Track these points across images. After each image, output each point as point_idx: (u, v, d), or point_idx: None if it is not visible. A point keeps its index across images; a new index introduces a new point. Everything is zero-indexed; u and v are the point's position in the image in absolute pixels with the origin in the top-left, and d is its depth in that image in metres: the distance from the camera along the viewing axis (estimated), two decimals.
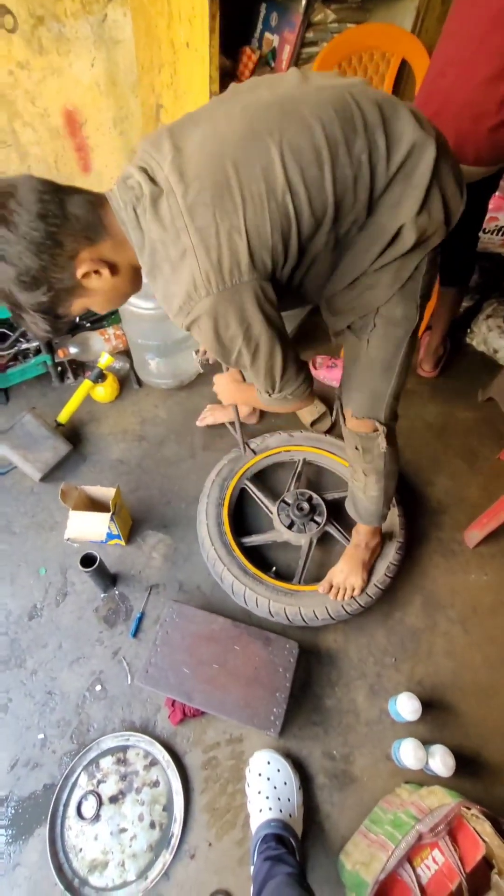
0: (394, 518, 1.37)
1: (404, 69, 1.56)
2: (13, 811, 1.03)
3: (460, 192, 0.77)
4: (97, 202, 0.70)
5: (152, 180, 0.68)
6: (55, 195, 0.66)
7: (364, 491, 1.12)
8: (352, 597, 1.22)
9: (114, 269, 0.74)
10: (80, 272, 0.70)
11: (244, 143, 0.66)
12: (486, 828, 0.81)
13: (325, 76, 0.75)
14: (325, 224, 0.71)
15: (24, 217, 0.63)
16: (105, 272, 0.72)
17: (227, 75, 1.44)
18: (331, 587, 1.24)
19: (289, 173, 0.66)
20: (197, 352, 1.40)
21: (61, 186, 0.68)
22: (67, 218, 0.66)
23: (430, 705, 1.18)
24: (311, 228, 0.70)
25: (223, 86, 1.29)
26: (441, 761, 1.04)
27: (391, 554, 1.31)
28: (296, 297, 0.85)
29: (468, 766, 1.11)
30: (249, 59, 1.45)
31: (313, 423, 1.68)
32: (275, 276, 0.72)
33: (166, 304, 0.74)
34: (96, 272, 0.72)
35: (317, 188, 0.67)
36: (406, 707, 1.10)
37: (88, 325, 1.85)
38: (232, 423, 1.45)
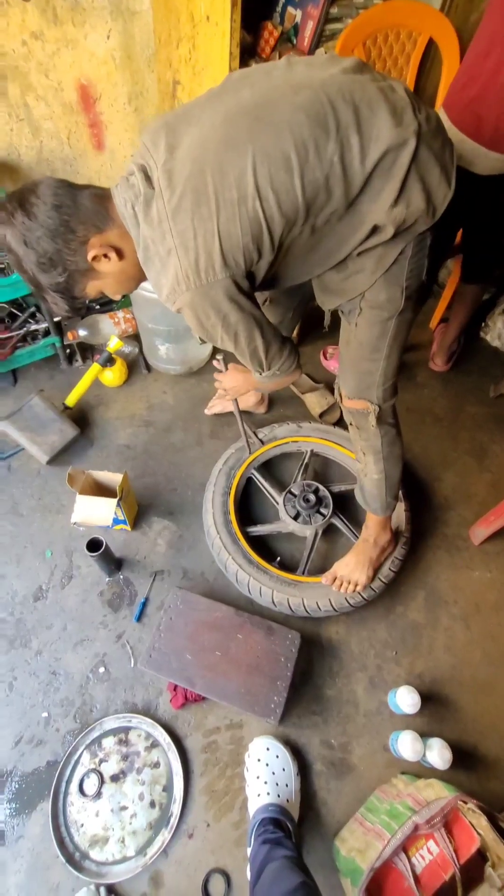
0: (400, 513, 1.37)
1: (431, 49, 1.50)
2: (17, 785, 1.06)
3: (447, 180, 0.77)
4: (105, 196, 0.79)
5: (148, 180, 0.75)
6: (68, 190, 0.76)
7: (366, 473, 1.15)
8: (354, 591, 1.23)
9: (120, 253, 0.81)
10: (90, 255, 0.79)
11: (221, 150, 0.71)
12: (481, 821, 0.82)
13: (311, 65, 0.77)
14: (298, 221, 0.75)
15: (42, 208, 0.74)
16: (113, 256, 0.80)
17: (248, 51, 1.39)
18: (334, 579, 1.24)
19: (259, 180, 0.71)
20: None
21: (74, 184, 0.78)
22: (78, 208, 0.76)
23: (429, 699, 1.19)
24: (283, 228, 0.75)
25: (243, 62, 1.26)
26: (438, 754, 1.05)
27: (396, 548, 1.31)
28: (282, 279, 0.90)
29: (464, 759, 1.12)
30: (271, 34, 1.40)
31: (322, 415, 1.67)
32: (251, 271, 0.79)
33: (157, 291, 0.82)
34: (105, 256, 0.80)
35: (286, 192, 0.72)
36: (405, 700, 1.11)
37: (98, 307, 1.83)
38: (240, 415, 1.44)
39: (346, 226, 0.79)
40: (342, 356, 1.04)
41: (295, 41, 1.47)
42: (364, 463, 1.14)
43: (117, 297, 0.91)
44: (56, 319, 1.65)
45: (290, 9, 1.44)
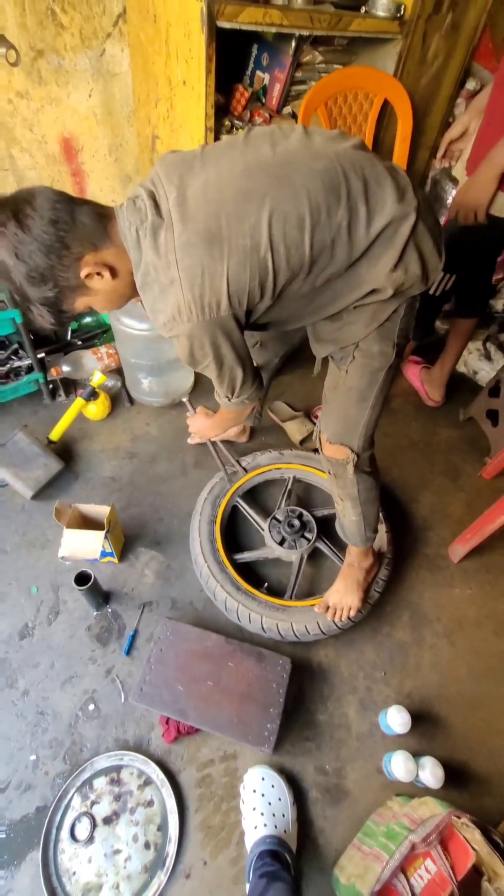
0: (382, 535, 1.41)
1: (387, 108, 1.66)
2: (4, 835, 1.02)
3: (438, 251, 0.85)
4: (105, 214, 0.80)
5: (157, 208, 0.78)
6: (67, 205, 0.75)
7: (345, 515, 1.18)
8: (349, 617, 1.25)
9: (114, 272, 0.82)
10: (83, 272, 0.79)
11: (240, 200, 0.75)
12: (475, 836, 0.84)
13: (327, 138, 0.83)
14: (301, 275, 0.81)
15: (37, 222, 0.72)
16: (106, 274, 0.81)
17: (221, 110, 1.50)
18: (328, 608, 1.26)
19: (273, 234, 0.75)
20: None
21: (74, 198, 0.77)
22: (76, 225, 0.75)
23: (420, 718, 1.21)
24: (287, 279, 0.80)
25: (217, 120, 1.37)
26: (431, 773, 1.06)
27: (380, 570, 1.35)
28: (277, 324, 0.95)
29: (457, 776, 1.14)
30: (242, 95, 1.52)
31: (302, 441, 1.73)
32: (250, 311, 0.83)
33: (152, 317, 0.84)
34: (98, 274, 0.80)
35: (295, 247, 0.77)
36: (396, 720, 1.13)
37: (81, 343, 1.88)
38: (215, 447, 1.48)
39: (343, 284, 0.85)
40: (328, 401, 1.06)
41: (264, 101, 1.60)
42: (342, 507, 1.17)
43: (105, 312, 0.91)
44: (40, 356, 1.68)
45: (258, 73, 1.58)
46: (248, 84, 1.60)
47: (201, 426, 1.34)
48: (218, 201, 0.75)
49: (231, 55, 1.56)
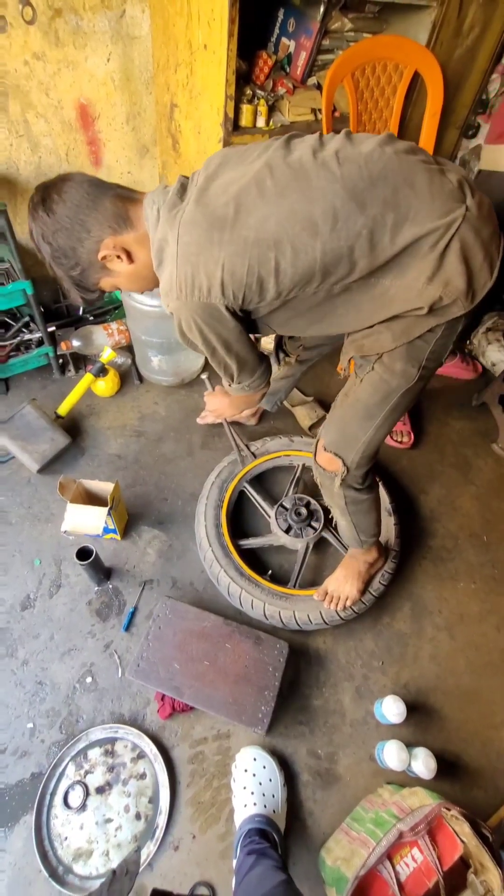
0: (389, 527, 1.39)
1: (417, 81, 1.58)
2: (0, 798, 1.05)
3: (490, 268, 0.77)
4: (130, 199, 0.84)
5: (182, 192, 0.81)
6: (93, 189, 0.80)
7: (336, 518, 1.16)
8: (350, 608, 1.24)
9: (131, 257, 0.86)
10: (100, 255, 0.84)
11: (253, 193, 0.75)
12: (464, 828, 0.83)
13: (367, 141, 0.78)
14: (314, 281, 0.78)
15: (60, 206, 0.79)
16: (124, 258, 0.85)
17: (243, 78, 1.44)
18: (325, 594, 1.25)
19: (279, 233, 0.74)
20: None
21: (103, 183, 0.83)
22: (96, 209, 0.80)
23: (415, 708, 1.20)
24: (294, 282, 0.77)
25: (238, 88, 1.31)
26: (423, 763, 1.06)
27: (386, 562, 1.33)
28: (298, 329, 0.93)
29: (449, 768, 1.14)
30: (265, 63, 1.46)
31: (311, 427, 1.70)
32: (248, 307, 0.82)
33: (162, 290, 0.84)
34: (118, 257, 0.85)
35: (304, 252, 0.74)
36: (391, 710, 1.13)
37: (92, 318, 1.86)
38: (230, 429, 1.46)
39: (365, 296, 0.80)
40: (335, 406, 1.02)
41: (288, 70, 1.54)
42: (332, 511, 1.15)
43: (133, 291, 0.96)
44: (50, 330, 1.67)
45: (283, 39, 1.51)
46: (273, 51, 1.53)
47: (218, 405, 1.31)
48: (232, 194, 0.76)
49: (256, 20, 1.49)
